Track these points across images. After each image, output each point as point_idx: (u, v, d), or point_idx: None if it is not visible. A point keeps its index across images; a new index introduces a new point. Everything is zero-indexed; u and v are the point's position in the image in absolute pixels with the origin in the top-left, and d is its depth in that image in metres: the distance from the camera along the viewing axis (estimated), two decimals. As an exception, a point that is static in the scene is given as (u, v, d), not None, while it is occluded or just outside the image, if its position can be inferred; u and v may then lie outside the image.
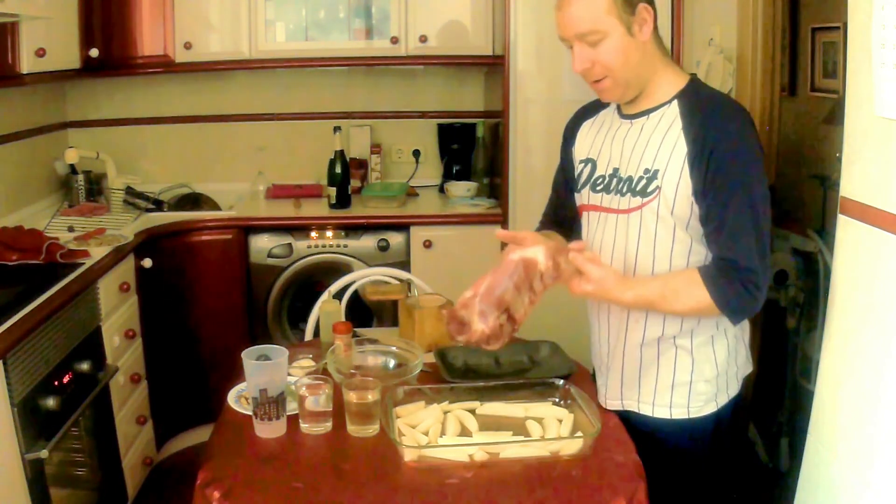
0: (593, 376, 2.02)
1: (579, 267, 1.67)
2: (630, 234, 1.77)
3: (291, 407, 1.76)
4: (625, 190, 1.78)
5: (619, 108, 1.86)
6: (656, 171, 1.71)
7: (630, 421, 1.83)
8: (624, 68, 1.71)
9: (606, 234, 1.83)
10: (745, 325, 1.87)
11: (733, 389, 1.85)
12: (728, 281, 1.65)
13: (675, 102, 1.74)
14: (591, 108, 1.95)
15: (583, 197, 1.91)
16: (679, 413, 1.81)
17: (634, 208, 1.76)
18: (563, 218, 2.03)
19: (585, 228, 1.91)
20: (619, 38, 1.68)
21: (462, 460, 1.60)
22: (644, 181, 1.74)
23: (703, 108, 1.71)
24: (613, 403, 1.89)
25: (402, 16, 3.62)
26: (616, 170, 1.81)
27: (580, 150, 1.93)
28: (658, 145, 1.73)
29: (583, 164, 1.90)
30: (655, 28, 1.73)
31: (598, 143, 1.88)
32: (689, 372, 1.80)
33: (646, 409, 1.84)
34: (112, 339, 2.81)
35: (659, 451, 1.81)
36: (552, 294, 2.20)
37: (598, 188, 1.85)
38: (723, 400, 1.83)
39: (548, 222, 2.06)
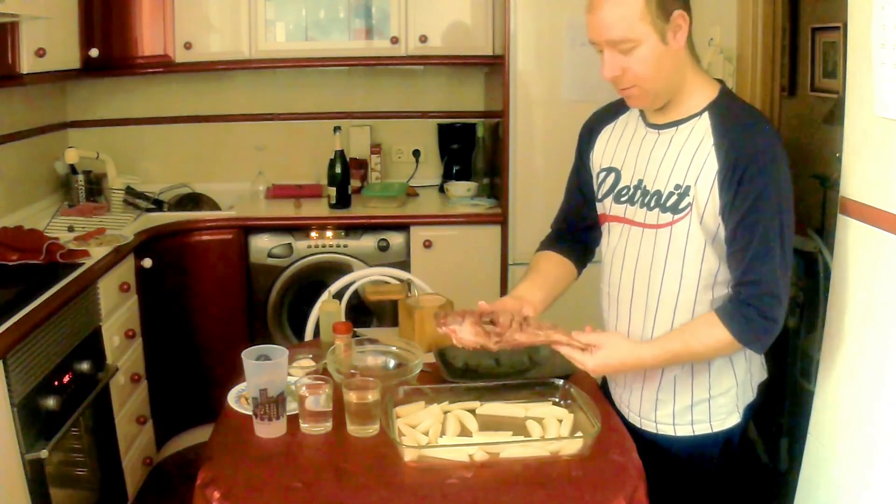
0: (600, 386, 1.99)
1: (586, 341, 1.66)
2: (657, 250, 1.72)
3: (291, 407, 1.76)
4: (653, 204, 1.72)
5: (643, 115, 1.80)
6: (688, 188, 1.66)
7: (646, 437, 1.81)
8: (655, 78, 1.64)
9: (630, 247, 1.78)
10: None
11: (748, 397, 1.82)
12: (745, 315, 1.62)
13: (706, 114, 1.68)
14: (610, 112, 1.88)
15: (605, 207, 1.85)
16: (702, 429, 1.80)
17: (664, 224, 1.70)
18: (575, 227, 1.97)
19: (606, 239, 1.86)
20: (652, 46, 1.60)
21: (462, 460, 1.59)
22: (675, 197, 1.68)
23: (735, 124, 1.65)
24: (633, 418, 1.87)
25: (402, 16, 3.62)
26: (641, 181, 1.75)
27: (600, 158, 1.86)
28: (689, 160, 1.66)
29: (604, 173, 1.84)
30: (689, 34, 1.66)
31: (620, 151, 1.82)
32: (706, 388, 1.77)
33: (666, 430, 1.82)
34: (112, 339, 2.81)
35: (678, 465, 1.81)
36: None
37: (623, 199, 1.79)
38: (741, 407, 1.80)
39: (560, 233, 2.00)
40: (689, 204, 1.66)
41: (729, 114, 1.67)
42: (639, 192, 1.76)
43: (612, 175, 1.82)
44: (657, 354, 1.68)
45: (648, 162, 1.74)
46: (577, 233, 1.98)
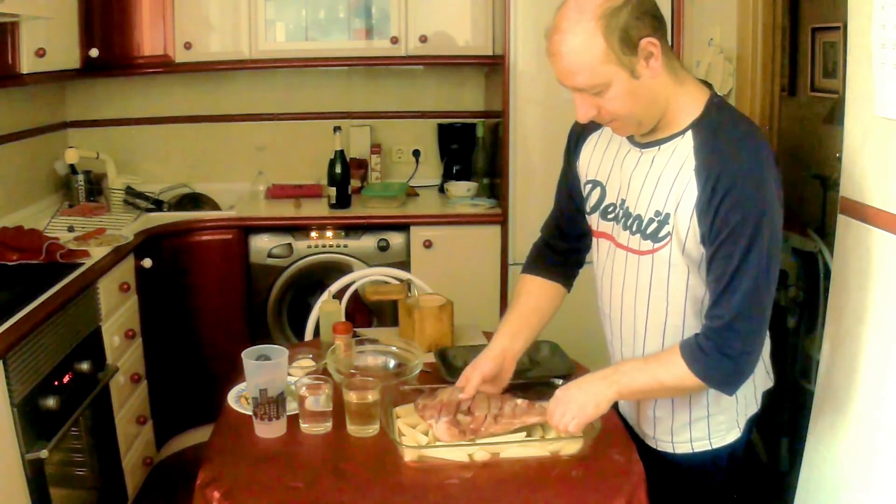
0: None
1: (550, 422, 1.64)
2: (641, 276, 1.68)
3: (291, 407, 1.76)
4: (634, 229, 1.66)
5: None
6: (667, 216, 1.58)
7: (646, 450, 1.78)
8: (633, 111, 1.55)
9: (617, 268, 1.74)
10: (766, 340, 1.76)
11: (751, 409, 1.78)
12: (702, 349, 1.55)
13: (690, 133, 1.58)
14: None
15: (593, 222, 1.79)
16: (701, 446, 1.75)
17: (646, 252, 1.64)
18: (566, 234, 1.92)
19: (596, 254, 1.82)
20: (622, 84, 1.50)
21: (462, 460, 1.60)
22: (655, 224, 1.61)
23: (719, 145, 1.54)
24: (635, 429, 1.85)
25: (402, 16, 3.62)
26: (624, 201, 1.68)
27: (586, 169, 1.80)
28: (670, 186, 1.58)
29: (590, 186, 1.78)
30: (667, 49, 1.54)
31: (605, 165, 1.75)
32: (705, 406, 1.73)
33: (665, 447, 1.79)
34: (112, 339, 2.81)
35: (679, 481, 1.79)
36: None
37: (609, 217, 1.73)
38: (742, 422, 1.77)
39: (549, 243, 1.95)
40: (669, 233, 1.60)
41: (714, 132, 1.56)
42: (623, 213, 1.70)
43: (598, 189, 1.77)
44: (618, 368, 1.65)
45: (630, 182, 1.68)
46: (568, 240, 1.92)
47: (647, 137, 1.65)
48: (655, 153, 1.63)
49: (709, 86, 1.66)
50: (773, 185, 1.53)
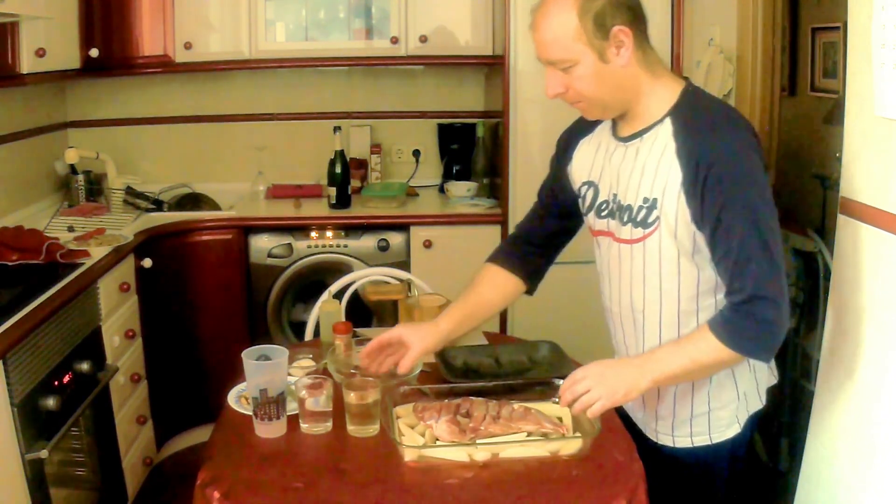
0: None
1: (566, 391, 1.63)
2: (635, 265, 1.71)
3: (291, 407, 1.76)
4: (626, 219, 1.70)
5: (613, 127, 1.77)
6: (655, 200, 1.63)
7: (648, 443, 1.80)
8: (598, 94, 1.63)
9: (613, 261, 1.77)
10: None
11: (754, 405, 1.79)
12: (733, 322, 1.57)
13: (668, 120, 1.64)
14: (587, 124, 1.83)
15: (590, 221, 1.84)
16: (701, 440, 1.77)
17: (637, 239, 1.68)
18: (537, 234, 1.96)
19: (598, 251, 1.85)
20: (590, 65, 1.59)
21: (462, 460, 1.60)
22: (644, 211, 1.65)
23: (696, 126, 1.60)
24: (638, 418, 1.87)
25: (402, 16, 3.62)
26: (615, 195, 1.73)
27: (579, 172, 1.85)
28: (654, 172, 1.63)
29: (585, 187, 1.83)
30: (644, 43, 1.63)
31: (597, 165, 1.80)
32: (706, 402, 1.74)
33: (665, 440, 1.80)
34: (112, 339, 2.81)
35: (679, 476, 1.80)
36: (551, 295, 2.20)
37: (604, 214, 1.77)
38: (743, 418, 1.77)
39: (519, 239, 1.99)
40: (658, 217, 1.63)
41: (691, 116, 1.62)
42: (616, 206, 1.74)
43: (592, 189, 1.81)
44: (649, 356, 1.64)
45: (619, 176, 1.72)
46: (537, 239, 1.96)
47: (628, 130, 1.71)
48: (639, 144, 1.69)
49: (685, 79, 1.72)
50: (754, 155, 1.58)
